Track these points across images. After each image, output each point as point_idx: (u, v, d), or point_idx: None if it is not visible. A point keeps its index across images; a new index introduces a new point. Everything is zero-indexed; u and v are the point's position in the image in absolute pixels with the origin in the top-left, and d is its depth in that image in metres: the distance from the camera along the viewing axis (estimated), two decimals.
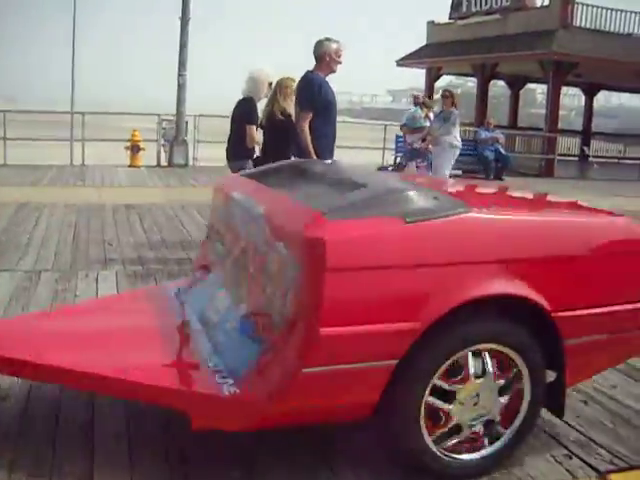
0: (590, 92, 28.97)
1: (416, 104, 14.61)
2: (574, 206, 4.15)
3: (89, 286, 6.07)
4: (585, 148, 25.25)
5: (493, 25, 22.46)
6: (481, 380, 3.13)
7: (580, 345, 3.34)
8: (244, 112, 7.26)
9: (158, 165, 17.01)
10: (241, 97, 7.42)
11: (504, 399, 3.21)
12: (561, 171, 20.65)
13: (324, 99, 6.27)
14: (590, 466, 3.35)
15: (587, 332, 3.37)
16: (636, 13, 21.43)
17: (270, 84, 7.30)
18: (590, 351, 3.43)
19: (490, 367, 3.13)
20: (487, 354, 3.13)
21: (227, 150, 7.57)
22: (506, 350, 3.15)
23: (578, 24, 20.53)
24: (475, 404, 3.15)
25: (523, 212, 3.64)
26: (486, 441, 3.22)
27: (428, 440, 3.07)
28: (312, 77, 6.33)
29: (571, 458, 3.41)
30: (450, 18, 25.15)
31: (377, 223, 2.90)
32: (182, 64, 17.25)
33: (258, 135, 7.23)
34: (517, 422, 3.27)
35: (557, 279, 3.27)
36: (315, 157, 6.11)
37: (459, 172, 19.49)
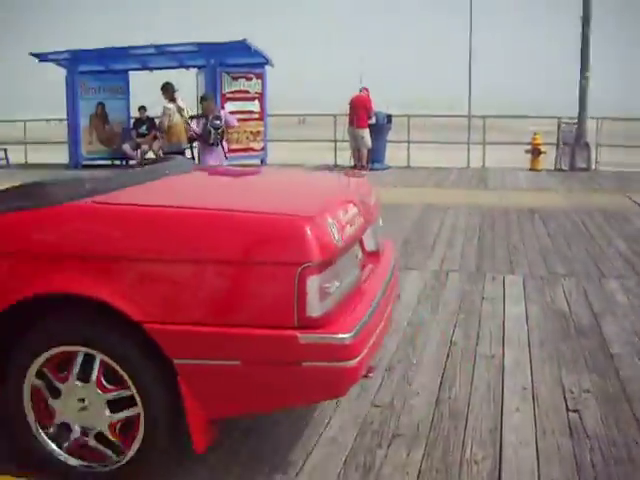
0: None
1: None
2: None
3: (496, 289, 5.94)
4: None
5: None
6: (84, 385, 2.94)
7: (199, 367, 2.83)
8: None
9: (558, 169, 16.44)
10: None
11: (115, 416, 2.95)
12: None
13: None
14: None
15: (204, 354, 2.83)
16: None
17: None
18: (220, 378, 2.87)
19: (95, 374, 2.91)
20: (97, 360, 2.90)
21: None
22: (107, 359, 2.87)
23: None
24: (82, 409, 2.96)
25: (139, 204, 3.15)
26: (112, 454, 2.99)
27: (35, 429, 3.02)
28: None
29: None
30: None
31: None
32: (584, 65, 16.55)
33: None
34: (136, 444, 2.94)
35: (153, 285, 2.86)
36: None
37: None
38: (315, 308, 2.75)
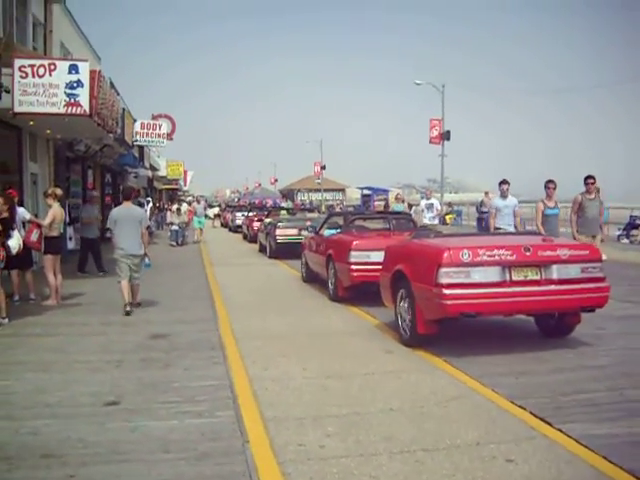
0: None
1: None
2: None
3: None
4: None
5: None
6: (405, 304, 8.17)
7: (419, 299, 7.58)
8: None
9: None
10: None
11: (407, 314, 8.04)
12: None
13: None
14: None
15: (420, 294, 7.58)
16: None
17: None
18: (422, 302, 7.58)
19: (405, 299, 8.13)
20: (405, 293, 8.20)
21: None
22: (405, 293, 8.10)
23: None
24: (402, 310, 8.31)
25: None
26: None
27: (399, 319, 8.43)
28: None
29: None
30: None
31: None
32: None
33: None
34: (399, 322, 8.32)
35: (412, 267, 7.87)
36: None
37: None
38: (441, 280, 7.26)
